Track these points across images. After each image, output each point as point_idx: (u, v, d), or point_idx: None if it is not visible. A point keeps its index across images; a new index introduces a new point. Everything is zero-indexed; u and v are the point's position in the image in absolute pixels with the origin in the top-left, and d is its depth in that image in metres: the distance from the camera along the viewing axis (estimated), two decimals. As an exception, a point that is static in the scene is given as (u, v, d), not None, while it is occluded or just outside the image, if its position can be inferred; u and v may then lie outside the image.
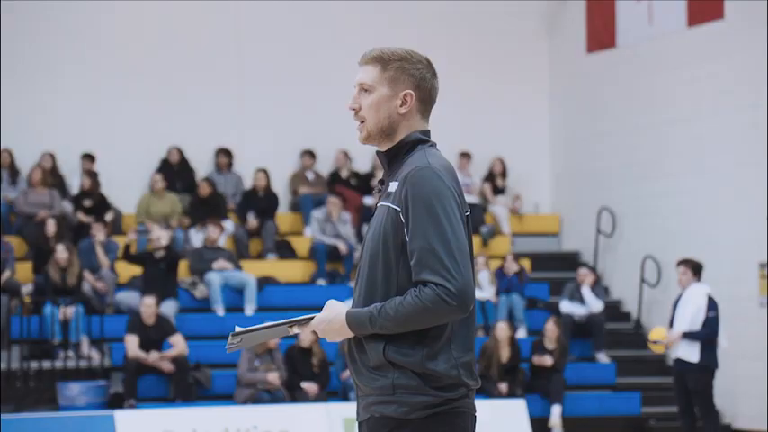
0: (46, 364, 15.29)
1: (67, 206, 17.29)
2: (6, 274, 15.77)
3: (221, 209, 17.87)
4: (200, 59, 18.51)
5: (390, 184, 3.88)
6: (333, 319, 3.86)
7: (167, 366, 14.85)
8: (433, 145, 3.94)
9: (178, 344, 15.02)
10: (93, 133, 18.07)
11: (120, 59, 18.29)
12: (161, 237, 15.85)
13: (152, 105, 18.38)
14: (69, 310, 15.46)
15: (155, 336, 14.94)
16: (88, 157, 17.87)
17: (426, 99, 3.93)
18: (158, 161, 18.32)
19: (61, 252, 15.71)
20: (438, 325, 3.76)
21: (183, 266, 16.57)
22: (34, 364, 15.26)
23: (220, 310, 16.38)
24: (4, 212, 17.09)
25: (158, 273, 15.79)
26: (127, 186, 18.06)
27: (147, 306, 14.93)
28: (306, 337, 14.56)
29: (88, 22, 18.25)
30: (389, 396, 3.79)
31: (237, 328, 4.04)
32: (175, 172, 18.23)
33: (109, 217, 17.40)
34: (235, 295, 16.62)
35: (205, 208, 17.67)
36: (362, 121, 3.93)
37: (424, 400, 3.76)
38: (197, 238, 17.35)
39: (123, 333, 15.04)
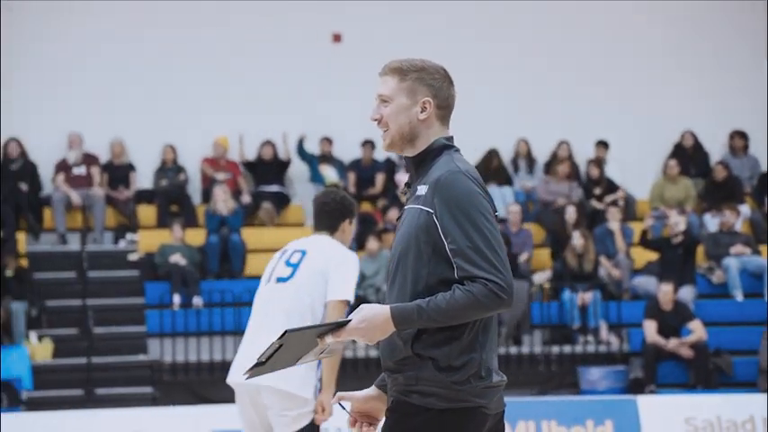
0: (566, 349, 15.65)
1: (580, 193, 17.57)
2: (524, 257, 16.30)
3: (737, 193, 17.51)
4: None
5: (419, 187, 3.98)
6: (374, 316, 3.86)
7: (687, 352, 14.76)
8: (458, 150, 4.05)
9: (697, 330, 14.90)
10: (609, 120, 18.20)
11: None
12: (679, 222, 15.78)
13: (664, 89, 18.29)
14: (587, 296, 15.72)
15: (673, 322, 14.89)
16: (602, 145, 18.09)
17: (444, 106, 4.05)
18: (671, 146, 18.21)
19: (578, 239, 16.02)
20: (464, 322, 3.85)
21: (698, 252, 16.38)
22: (555, 349, 15.67)
23: (739, 296, 16.05)
24: (523, 201, 17.66)
25: (675, 258, 15.73)
26: (641, 172, 18.09)
27: (665, 292, 14.91)
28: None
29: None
30: (413, 386, 3.89)
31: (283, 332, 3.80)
32: (689, 156, 18.06)
33: (622, 203, 17.52)
34: (753, 281, 16.22)
35: (720, 192, 17.38)
36: (386, 130, 4.06)
37: (443, 393, 3.85)
38: (712, 223, 17.09)
39: (640, 318, 15.10)
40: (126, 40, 17.67)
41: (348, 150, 18.02)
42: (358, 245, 16.72)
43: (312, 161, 17.80)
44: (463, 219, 3.85)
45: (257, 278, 17.08)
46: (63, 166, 17.21)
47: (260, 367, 3.91)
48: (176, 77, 17.79)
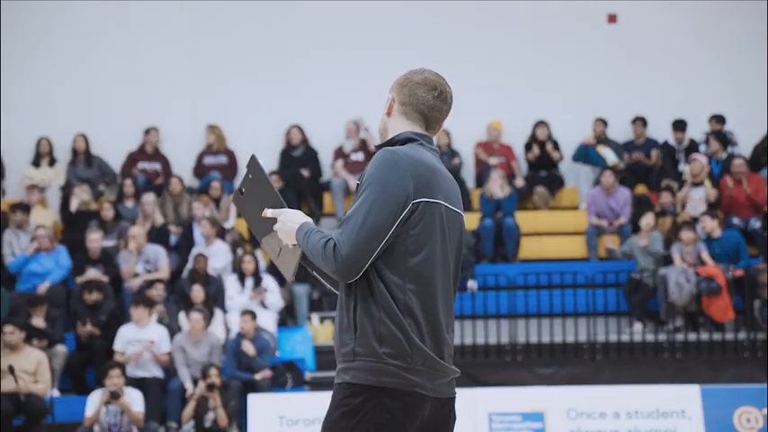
0: None
1: None
2: None
3: None
4: None
5: None
6: (295, 215, 4.26)
7: None
8: (423, 144, 4.27)
9: None
10: None
11: None
12: None
13: None
14: None
15: None
16: None
17: (407, 102, 4.31)
18: None
19: None
20: (397, 299, 4.00)
21: None
22: None
23: None
24: None
25: None
26: None
27: None
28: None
29: None
30: (350, 363, 4.02)
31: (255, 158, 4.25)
32: None
33: None
34: None
35: None
36: None
37: (376, 367, 3.97)
38: None
39: None
40: (390, 32, 18.00)
41: (621, 131, 17.84)
42: (633, 227, 16.49)
43: (587, 146, 17.63)
44: (361, 191, 4.11)
45: (531, 262, 17.22)
46: (341, 153, 17.66)
47: (239, 197, 4.38)
48: (454, 64, 17.98)
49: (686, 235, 15.41)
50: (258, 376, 13.97)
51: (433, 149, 4.35)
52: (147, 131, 17.78)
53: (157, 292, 14.85)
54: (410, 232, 4.07)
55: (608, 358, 15.20)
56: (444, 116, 4.43)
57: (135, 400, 12.83)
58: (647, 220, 15.78)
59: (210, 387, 13.15)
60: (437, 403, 4.11)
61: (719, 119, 17.44)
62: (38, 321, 14.47)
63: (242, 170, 17.84)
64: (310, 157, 17.64)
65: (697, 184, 16.51)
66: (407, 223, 4.07)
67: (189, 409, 13.24)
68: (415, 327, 4.04)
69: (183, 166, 17.68)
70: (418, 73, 4.38)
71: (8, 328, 13.05)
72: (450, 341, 4.16)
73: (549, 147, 17.57)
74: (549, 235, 17.15)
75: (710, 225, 15.50)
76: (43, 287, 15.34)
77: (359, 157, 17.62)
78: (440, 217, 4.15)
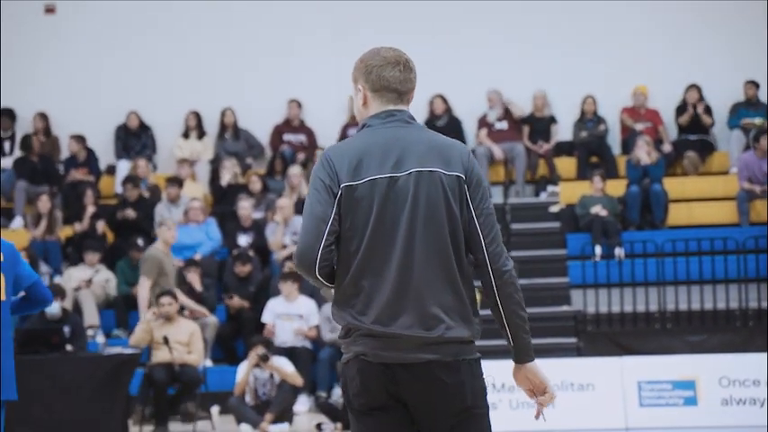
0: None
1: None
2: None
3: None
4: None
5: None
6: None
7: None
8: (373, 126, 4.38)
9: None
10: None
11: None
12: None
13: None
14: None
15: None
16: None
17: (380, 87, 4.40)
18: None
19: None
20: (343, 287, 4.26)
21: None
22: None
23: None
24: None
25: None
26: None
27: None
28: None
29: None
30: None
31: None
32: None
33: None
34: None
35: None
36: None
37: (343, 349, 4.33)
38: None
39: None
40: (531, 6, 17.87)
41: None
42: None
43: (738, 108, 17.27)
44: None
45: (679, 228, 16.95)
46: (484, 122, 17.59)
47: None
48: (601, 30, 17.79)
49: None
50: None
51: (396, 122, 4.41)
52: (290, 104, 17.98)
53: (303, 263, 14.99)
54: (345, 218, 4.23)
55: (761, 325, 14.90)
56: (413, 84, 4.45)
57: (285, 364, 12.92)
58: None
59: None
60: (403, 370, 4.23)
61: None
62: (195, 284, 14.76)
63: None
64: (454, 126, 17.61)
65: None
66: (341, 211, 4.24)
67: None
68: (362, 305, 4.24)
69: (327, 138, 17.83)
70: (375, 55, 4.42)
71: (165, 299, 13.32)
72: (421, 309, 4.24)
73: (701, 110, 17.24)
74: (699, 201, 16.85)
75: None
76: (194, 259, 15.65)
77: (503, 125, 17.52)
78: (380, 192, 4.24)
